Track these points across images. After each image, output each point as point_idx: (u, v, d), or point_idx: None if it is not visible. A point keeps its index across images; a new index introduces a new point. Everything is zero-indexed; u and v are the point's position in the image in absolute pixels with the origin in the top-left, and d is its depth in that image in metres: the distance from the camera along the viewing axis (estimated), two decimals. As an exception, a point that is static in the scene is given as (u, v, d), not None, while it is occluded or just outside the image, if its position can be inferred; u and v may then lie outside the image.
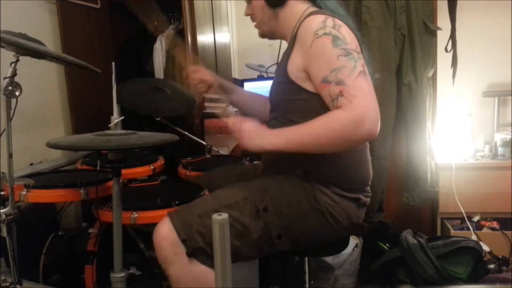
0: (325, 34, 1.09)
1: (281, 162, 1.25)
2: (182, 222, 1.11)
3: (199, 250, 1.10)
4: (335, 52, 1.07)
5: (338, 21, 1.12)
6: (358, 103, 1.03)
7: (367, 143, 1.26)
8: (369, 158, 1.28)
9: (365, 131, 1.02)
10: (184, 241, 1.09)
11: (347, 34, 1.11)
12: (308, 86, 1.16)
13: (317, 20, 1.12)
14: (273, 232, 1.15)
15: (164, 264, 1.12)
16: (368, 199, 1.27)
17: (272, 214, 1.15)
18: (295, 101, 1.19)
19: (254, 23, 1.33)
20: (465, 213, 2.26)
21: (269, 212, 1.15)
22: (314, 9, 1.22)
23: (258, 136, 1.14)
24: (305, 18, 1.17)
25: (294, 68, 1.17)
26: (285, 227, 1.16)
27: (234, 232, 1.09)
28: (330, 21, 1.11)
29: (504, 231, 2.18)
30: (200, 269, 1.10)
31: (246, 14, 1.33)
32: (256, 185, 1.21)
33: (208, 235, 1.08)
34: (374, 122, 1.02)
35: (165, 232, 1.11)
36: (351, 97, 1.03)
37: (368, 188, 1.28)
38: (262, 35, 1.34)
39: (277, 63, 1.46)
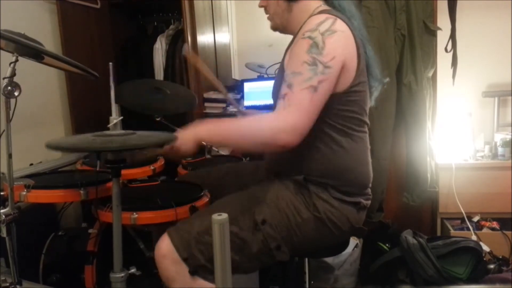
0: (309, 37, 1.09)
1: (282, 163, 1.25)
2: (181, 240, 1.12)
3: (201, 268, 1.10)
4: (305, 57, 1.08)
5: (337, 26, 1.11)
6: (288, 113, 1.05)
7: (368, 145, 1.26)
8: (370, 160, 1.27)
9: (278, 142, 1.05)
10: (185, 260, 1.10)
11: (331, 44, 1.08)
12: None
13: (316, 21, 1.12)
14: (272, 244, 1.14)
15: (166, 282, 1.13)
16: (369, 202, 1.26)
17: (270, 226, 1.14)
18: None
19: (267, 15, 1.31)
20: (465, 213, 2.26)
21: (267, 224, 1.14)
22: (325, 7, 1.21)
23: (189, 132, 1.16)
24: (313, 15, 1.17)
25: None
26: (284, 237, 1.15)
27: (233, 247, 1.07)
28: (327, 24, 1.10)
29: (504, 231, 2.17)
30: (202, 285, 1.11)
31: (260, 6, 1.32)
32: (255, 195, 1.20)
33: (208, 252, 1.08)
34: (292, 137, 1.05)
35: (165, 250, 1.11)
36: (287, 104, 1.06)
37: (369, 190, 1.27)
38: (274, 28, 1.33)
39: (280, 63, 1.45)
